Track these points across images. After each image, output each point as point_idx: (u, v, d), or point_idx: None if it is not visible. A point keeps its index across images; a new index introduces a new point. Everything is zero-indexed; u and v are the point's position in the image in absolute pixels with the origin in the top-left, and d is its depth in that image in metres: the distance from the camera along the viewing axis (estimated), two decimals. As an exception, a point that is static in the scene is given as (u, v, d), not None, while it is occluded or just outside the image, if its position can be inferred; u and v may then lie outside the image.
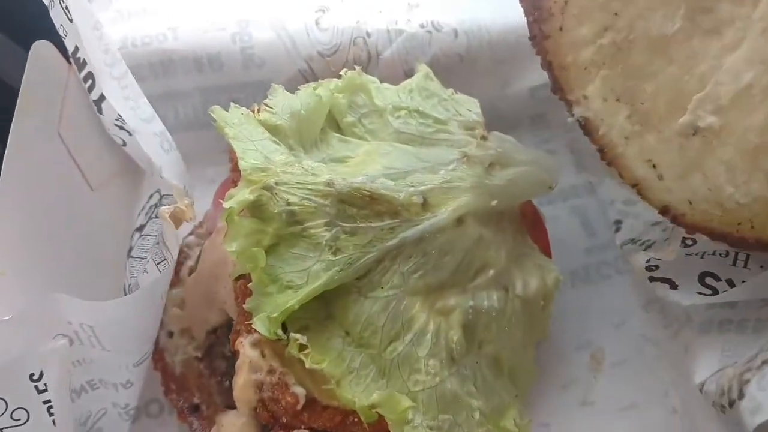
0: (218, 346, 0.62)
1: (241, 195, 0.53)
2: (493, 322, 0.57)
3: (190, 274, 0.67)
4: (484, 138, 0.62)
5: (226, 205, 0.53)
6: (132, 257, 0.65)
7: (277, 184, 0.54)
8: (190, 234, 0.69)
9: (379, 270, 0.54)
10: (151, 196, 0.69)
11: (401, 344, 0.54)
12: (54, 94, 0.64)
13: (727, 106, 0.50)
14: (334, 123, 0.63)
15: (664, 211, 0.56)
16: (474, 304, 0.56)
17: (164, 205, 0.66)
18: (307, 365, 0.51)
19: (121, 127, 0.66)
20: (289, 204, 0.53)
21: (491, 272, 0.57)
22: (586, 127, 0.57)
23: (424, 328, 0.54)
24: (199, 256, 0.65)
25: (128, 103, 0.57)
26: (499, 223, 0.60)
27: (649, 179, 0.55)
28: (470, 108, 0.66)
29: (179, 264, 0.68)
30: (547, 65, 0.57)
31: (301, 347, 0.52)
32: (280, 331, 0.51)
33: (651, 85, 0.53)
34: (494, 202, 0.58)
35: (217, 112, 0.57)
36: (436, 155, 0.60)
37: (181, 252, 0.68)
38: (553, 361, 0.69)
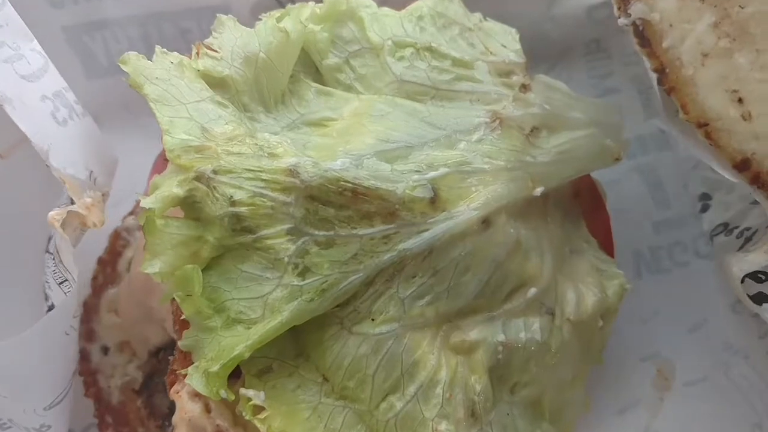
0: (159, 375, 0.47)
1: (166, 189, 0.37)
2: (533, 359, 0.41)
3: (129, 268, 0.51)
4: (524, 88, 0.44)
5: (145, 204, 0.36)
6: (49, 252, 0.49)
7: (215, 172, 0.37)
8: (131, 214, 0.53)
9: (369, 295, 0.38)
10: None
11: (401, 400, 0.38)
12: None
13: None
14: (311, 67, 0.45)
15: (742, 164, 0.41)
16: (506, 339, 0.40)
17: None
18: (265, 437, 0.36)
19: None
20: (233, 203, 0.36)
21: (532, 291, 0.40)
22: (643, 34, 0.41)
23: (433, 377, 0.38)
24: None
25: (1, 52, 0.39)
26: (543, 209, 0.43)
27: (727, 118, 0.40)
28: (505, 43, 0.46)
29: (116, 254, 0.52)
30: None
31: (256, 409, 0.36)
32: (223, 391, 0.36)
33: None
34: (539, 191, 0.40)
35: (131, 61, 0.39)
36: (454, 118, 0.41)
37: (118, 238, 0.52)
38: (609, 377, 0.52)
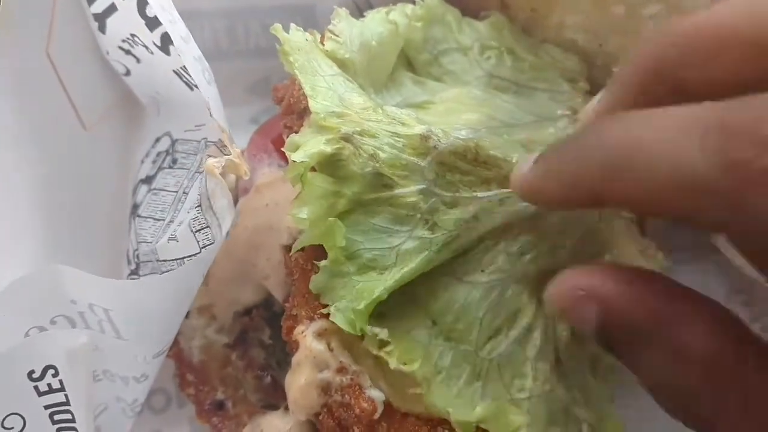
0: (253, 332, 0.50)
1: (314, 145, 0.41)
2: (603, 316, 0.47)
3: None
4: (588, 94, 0.51)
5: (296, 157, 0.40)
6: (140, 216, 0.51)
7: (361, 134, 0.42)
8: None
9: (480, 250, 0.43)
10: (158, 140, 0.55)
11: (504, 341, 0.43)
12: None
13: None
14: (403, 60, 0.51)
15: None
16: (587, 295, 0.46)
17: (179, 152, 0.53)
18: (393, 365, 0.40)
19: (128, 51, 0.51)
20: (377, 161, 0.41)
21: (608, 256, 0.47)
22: None
23: (532, 324, 0.44)
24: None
25: (165, 15, 0.42)
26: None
27: None
28: (566, 58, 0.54)
29: (196, 226, 0.55)
30: None
31: (382, 343, 0.41)
32: (368, 327, 0.40)
33: None
34: (614, 172, 0.48)
35: (279, 31, 0.44)
36: (539, 107, 0.49)
37: (197, 211, 0.55)
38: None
